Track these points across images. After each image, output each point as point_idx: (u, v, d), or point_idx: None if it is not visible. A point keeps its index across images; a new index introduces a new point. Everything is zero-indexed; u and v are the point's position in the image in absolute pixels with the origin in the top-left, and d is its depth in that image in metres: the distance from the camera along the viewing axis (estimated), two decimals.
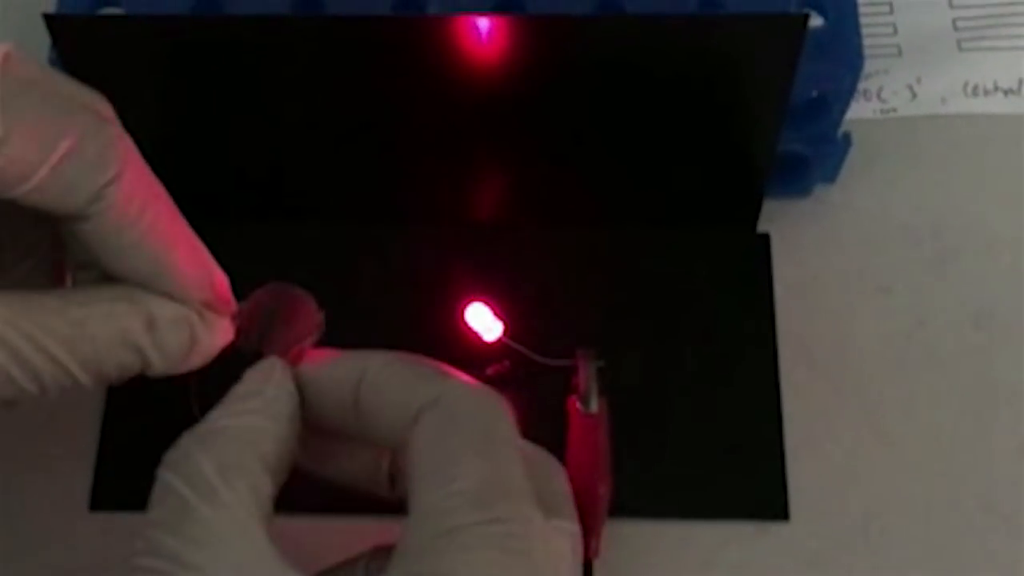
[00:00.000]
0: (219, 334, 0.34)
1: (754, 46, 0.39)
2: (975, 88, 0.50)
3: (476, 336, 0.44)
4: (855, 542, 0.42)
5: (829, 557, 0.42)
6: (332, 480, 0.35)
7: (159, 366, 0.32)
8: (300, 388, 0.34)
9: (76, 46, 0.40)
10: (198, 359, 0.33)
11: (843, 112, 0.44)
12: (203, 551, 0.29)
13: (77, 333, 0.30)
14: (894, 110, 0.50)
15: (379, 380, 0.33)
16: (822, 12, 0.42)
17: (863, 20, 0.43)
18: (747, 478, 0.43)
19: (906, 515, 0.42)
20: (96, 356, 0.31)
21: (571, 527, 0.33)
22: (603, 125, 0.43)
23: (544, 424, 0.38)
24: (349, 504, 0.38)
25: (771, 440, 0.43)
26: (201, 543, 0.29)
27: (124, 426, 0.44)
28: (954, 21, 0.52)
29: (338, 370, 0.33)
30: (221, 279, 0.34)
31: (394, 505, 0.35)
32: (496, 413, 0.32)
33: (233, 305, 0.34)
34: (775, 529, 0.42)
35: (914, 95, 0.50)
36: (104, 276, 0.32)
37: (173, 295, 0.32)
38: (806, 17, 0.38)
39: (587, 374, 0.41)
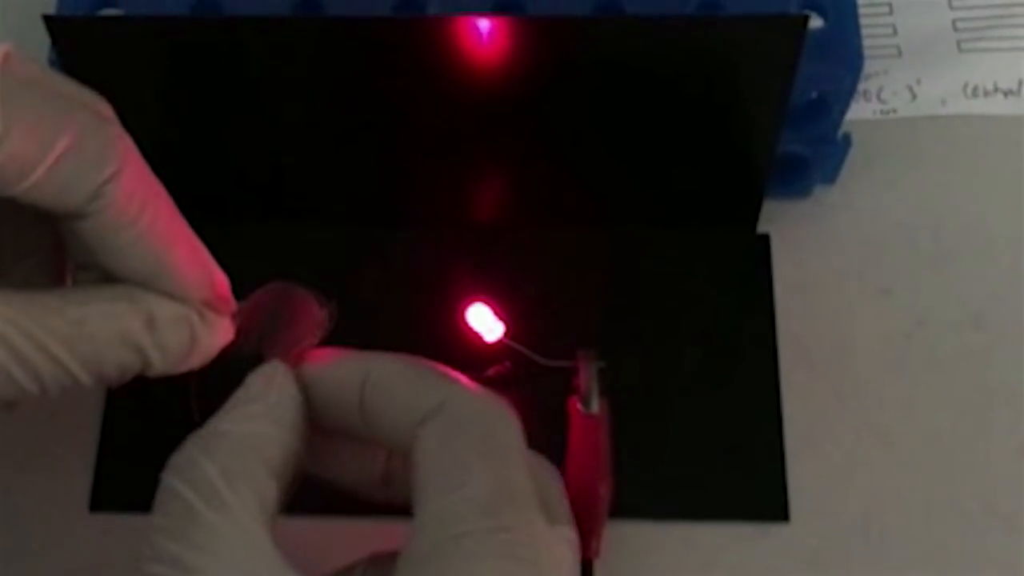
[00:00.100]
0: (219, 333, 0.34)
1: (754, 47, 0.39)
2: (975, 89, 0.50)
3: (477, 337, 0.44)
4: (855, 543, 0.42)
5: (829, 558, 0.42)
6: (321, 479, 0.35)
7: (159, 365, 0.32)
8: (304, 387, 0.34)
9: (76, 47, 0.40)
10: (198, 358, 0.33)
11: (843, 113, 0.44)
12: (207, 557, 0.29)
13: (77, 332, 0.30)
14: (894, 111, 0.50)
15: (384, 382, 0.33)
16: (822, 13, 0.42)
17: (863, 21, 0.43)
18: (747, 479, 0.43)
19: (906, 515, 0.42)
20: (96, 355, 0.31)
21: (571, 533, 0.33)
22: (603, 126, 0.43)
23: (545, 425, 0.38)
24: (347, 505, 0.38)
25: (771, 441, 0.43)
26: (205, 549, 0.29)
27: (124, 427, 0.44)
28: (954, 22, 0.52)
29: (343, 370, 0.33)
30: (221, 278, 0.34)
31: (391, 507, 0.35)
32: (502, 419, 0.32)
33: (233, 305, 0.34)
34: (775, 530, 0.42)
35: (914, 96, 0.50)
36: (104, 276, 0.32)
37: (173, 294, 0.32)
38: (806, 18, 0.38)
39: (588, 375, 0.41)
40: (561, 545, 0.32)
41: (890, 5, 0.52)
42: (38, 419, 0.44)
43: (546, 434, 0.34)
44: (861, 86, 0.45)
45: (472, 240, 0.47)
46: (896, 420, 0.44)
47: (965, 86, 0.50)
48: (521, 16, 0.41)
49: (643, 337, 0.45)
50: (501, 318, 0.44)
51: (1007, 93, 0.50)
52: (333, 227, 0.46)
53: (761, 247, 0.47)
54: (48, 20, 0.39)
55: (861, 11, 0.43)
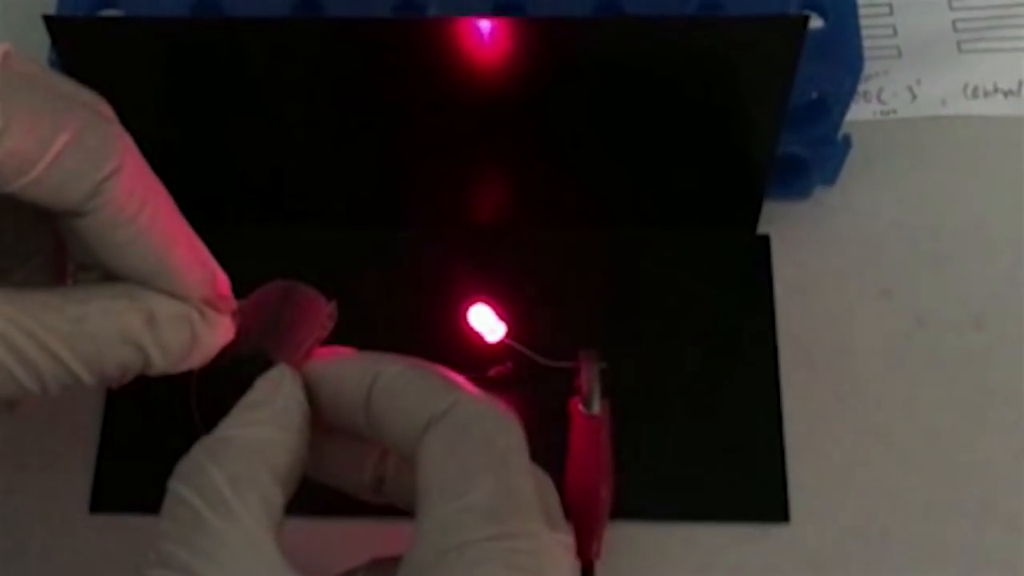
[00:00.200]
0: (220, 332, 0.33)
1: (754, 48, 0.39)
2: (975, 90, 0.50)
3: (478, 337, 0.44)
4: (855, 543, 0.42)
5: (829, 558, 0.42)
6: (313, 477, 0.35)
7: (159, 364, 0.32)
8: (311, 385, 0.34)
9: (76, 47, 0.40)
10: (199, 357, 0.33)
11: (843, 114, 0.44)
12: (214, 563, 0.29)
13: (77, 330, 0.30)
14: (894, 112, 0.50)
15: (392, 386, 0.33)
16: (822, 14, 0.42)
17: (863, 22, 0.43)
18: (747, 479, 0.43)
19: (906, 516, 0.42)
20: (97, 353, 0.31)
21: (568, 539, 0.33)
22: (604, 127, 0.43)
23: (546, 425, 0.38)
24: (347, 507, 0.38)
25: (771, 441, 0.43)
26: (212, 555, 0.29)
27: (124, 428, 0.44)
28: (954, 23, 0.52)
29: (351, 370, 0.33)
30: (221, 277, 0.34)
31: (391, 508, 0.35)
32: (507, 427, 0.32)
33: (233, 303, 0.34)
34: (775, 531, 0.42)
35: (914, 97, 0.50)
36: (105, 276, 0.32)
37: (173, 292, 0.32)
38: (806, 19, 0.38)
39: (589, 375, 0.41)
40: (561, 552, 0.32)
41: (890, 6, 0.52)
42: (38, 420, 0.44)
43: (547, 435, 0.34)
44: (861, 87, 0.45)
45: (473, 241, 0.47)
46: (896, 420, 0.44)
47: (965, 87, 0.50)
48: (521, 17, 0.41)
49: (643, 338, 0.45)
50: (502, 318, 0.44)
51: (1007, 94, 0.50)
52: (334, 228, 0.46)
53: (761, 248, 0.47)
54: (48, 20, 0.39)
55: (861, 12, 0.43)
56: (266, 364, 0.34)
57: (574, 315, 0.45)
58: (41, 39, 0.39)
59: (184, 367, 0.33)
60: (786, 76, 0.40)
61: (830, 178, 0.48)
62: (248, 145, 0.44)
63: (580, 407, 0.41)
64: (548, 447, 0.36)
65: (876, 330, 0.46)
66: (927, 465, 0.43)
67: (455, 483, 0.30)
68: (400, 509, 0.35)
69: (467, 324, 0.44)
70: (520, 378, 0.43)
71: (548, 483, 0.34)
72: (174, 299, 0.32)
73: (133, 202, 0.30)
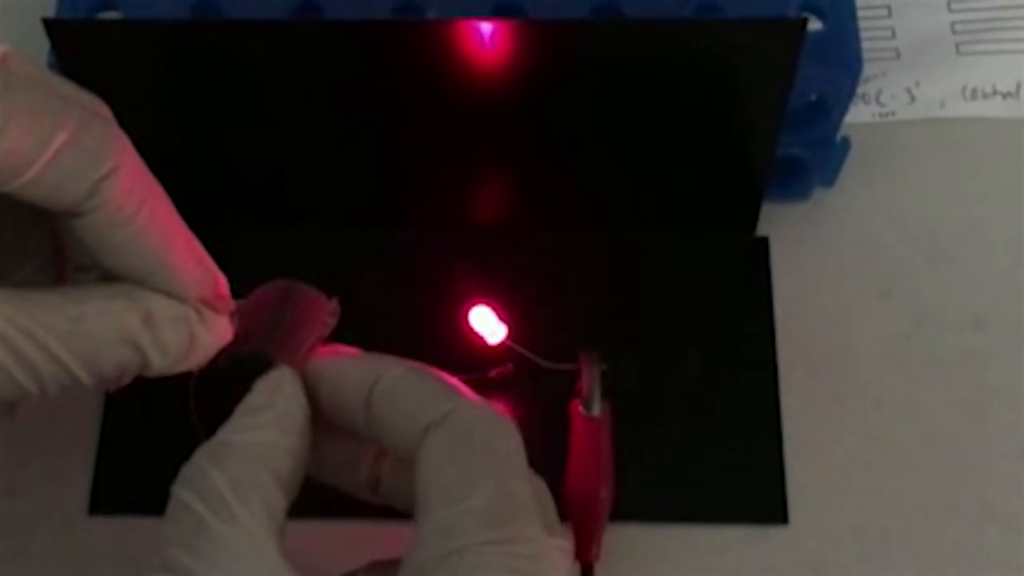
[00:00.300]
0: (218, 332, 0.33)
1: (753, 50, 0.39)
2: (973, 92, 0.50)
3: (479, 339, 0.44)
4: (854, 545, 0.42)
5: (828, 560, 0.42)
6: (310, 475, 0.35)
7: (158, 364, 0.32)
8: (312, 383, 0.34)
9: (75, 50, 0.40)
10: (197, 357, 0.33)
11: (842, 116, 0.44)
12: (217, 568, 0.29)
13: (75, 329, 0.30)
14: (893, 114, 0.50)
15: (394, 389, 0.33)
16: (821, 16, 0.42)
17: (862, 24, 0.43)
18: (746, 481, 0.43)
19: (905, 518, 0.42)
20: (95, 353, 0.31)
21: (565, 543, 0.33)
22: (603, 128, 0.43)
23: (546, 427, 0.38)
24: (346, 508, 0.38)
25: (770, 443, 0.43)
26: (214, 560, 0.29)
27: (123, 430, 0.44)
28: (952, 24, 0.52)
29: (353, 371, 0.33)
30: (219, 277, 0.34)
31: (390, 511, 0.35)
32: (506, 432, 0.32)
33: (232, 303, 0.34)
34: (774, 533, 0.42)
35: (913, 99, 0.50)
36: (103, 278, 0.32)
37: (171, 292, 0.32)
38: (804, 21, 0.38)
39: (590, 377, 0.41)
40: (560, 556, 0.32)
41: (889, 8, 0.52)
42: (38, 422, 0.44)
43: (547, 436, 0.34)
44: (860, 89, 0.45)
45: (473, 242, 0.47)
46: (895, 421, 0.44)
47: (964, 88, 0.50)
48: (520, 19, 0.41)
49: (643, 339, 0.45)
50: (503, 320, 0.44)
51: (1005, 95, 0.50)
52: (334, 229, 0.46)
53: (760, 250, 0.47)
54: (47, 23, 0.39)
55: (860, 14, 0.43)
56: (266, 365, 0.34)
57: (574, 317, 0.45)
58: (40, 42, 0.39)
59: (182, 367, 0.33)
60: (785, 78, 0.40)
61: (829, 180, 0.48)
62: (248, 147, 0.45)
63: (580, 409, 0.41)
64: (548, 449, 0.36)
65: (875, 331, 0.46)
66: (926, 466, 0.43)
67: (455, 488, 0.30)
68: (397, 510, 0.35)
69: (468, 325, 0.44)
70: (520, 379, 0.43)
71: (544, 488, 0.34)
72: (172, 299, 0.32)
73: (131, 202, 0.30)
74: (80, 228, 0.30)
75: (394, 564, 0.31)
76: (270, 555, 0.30)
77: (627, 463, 0.41)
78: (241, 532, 0.30)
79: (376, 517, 0.36)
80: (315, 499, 0.33)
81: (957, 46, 0.51)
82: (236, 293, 0.34)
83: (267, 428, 0.32)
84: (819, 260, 0.47)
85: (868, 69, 0.43)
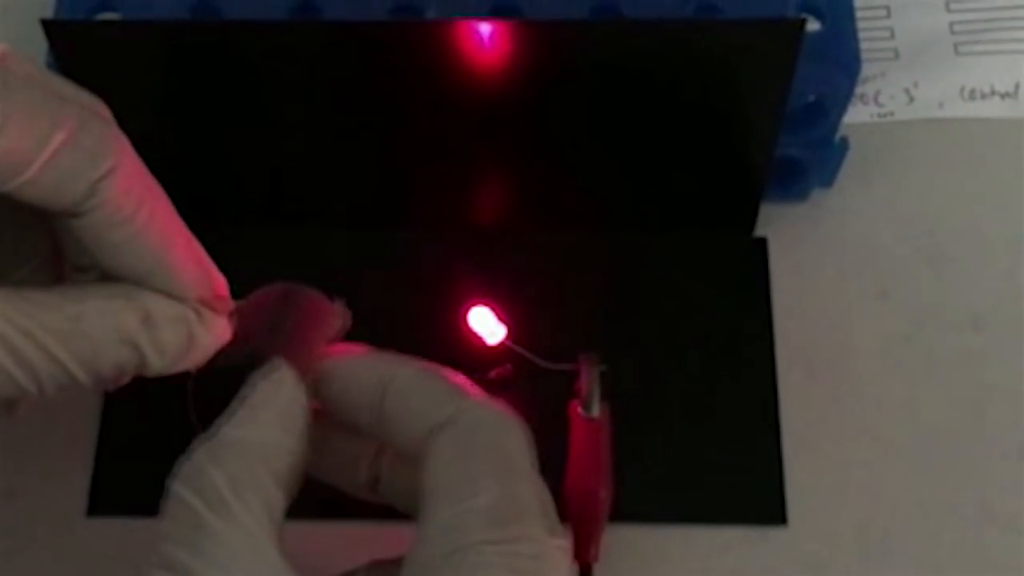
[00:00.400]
0: (216, 332, 0.33)
1: (751, 51, 0.39)
2: (972, 92, 0.50)
3: (479, 339, 0.44)
4: (853, 546, 0.42)
5: (827, 561, 0.42)
6: (309, 474, 0.35)
7: (156, 364, 0.32)
8: (320, 380, 0.34)
9: (73, 51, 0.40)
10: (195, 358, 0.33)
11: (840, 116, 0.44)
12: (215, 565, 0.29)
13: (73, 329, 0.30)
14: (891, 114, 0.50)
15: (405, 387, 0.33)
16: (819, 16, 0.42)
17: (860, 24, 0.43)
18: (745, 482, 0.43)
19: (904, 519, 0.42)
20: (93, 353, 0.31)
21: (567, 544, 0.33)
22: (601, 129, 0.43)
23: (545, 428, 0.38)
24: (345, 509, 0.38)
25: (769, 444, 0.43)
26: (213, 558, 0.29)
27: (122, 432, 0.44)
28: (951, 25, 0.52)
29: (363, 370, 0.34)
30: (218, 277, 0.34)
31: (389, 512, 0.35)
32: (514, 433, 0.32)
33: (231, 304, 0.34)
34: (773, 534, 0.42)
35: (911, 99, 0.50)
36: (101, 278, 0.32)
37: (170, 292, 0.32)
38: (803, 22, 0.38)
39: (589, 378, 0.41)
40: (561, 556, 0.32)
41: (887, 8, 0.52)
42: (36, 423, 0.44)
43: (547, 437, 0.34)
44: (858, 89, 0.45)
45: (473, 243, 0.47)
46: (894, 423, 0.44)
47: (962, 89, 0.50)
48: (518, 20, 0.41)
49: (642, 340, 0.45)
50: (502, 320, 0.44)
51: (1004, 96, 0.50)
52: (335, 231, 0.46)
53: (759, 250, 0.47)
54: (46, 24, 0.39)
55: (858, 14, 0.43)
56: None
57: (573, 317, 0.45)
58: (39, 43, 0.39)
59: (181, 367, 0.33)
60: (784, 79, 0.40)
61: (827, 180, 0.48)
62: (247, 147, 0.44)
63: (579, 409, 0.41)
64: (547, 450, 0.36)
65: (874, 331, 0.46)
66: (925, 467, 0.43)
67: (461, 487, 0.30)
68: (397, 511, 0.35)
69: (467, 326, 0.44)
70: (520, 380, 0.43)
71: (545, 488, 0.34)
72: (171, 299, 0.32)
73: (130, 202, 0.30)
74: (79, 228, 0.30)
75: (394, 563, 0.31)
76: (269, 553, 0.30)
77: (626, 464, 0.41)
78: (240, 531, 0.30)
79: (376, 517, 0.36)
80: (315, 499, 0.33)
81: (956, 46, 0.51)
82: (236, 293, 0.34)
83: (268, 426, 0.32)
84: (818, 261, 0.47)
85: (867, 69, 0.43)
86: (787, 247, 0.47)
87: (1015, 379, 0.45)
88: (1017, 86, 0.50)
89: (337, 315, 0.35)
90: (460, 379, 0.33)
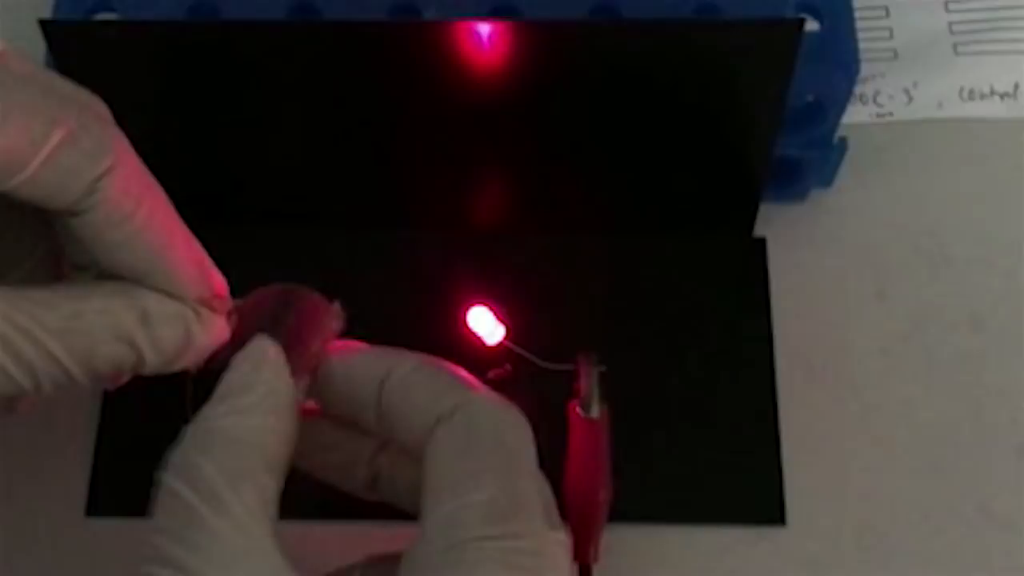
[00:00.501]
0: (214, 331, 0.33)
1: (750, 51, 0.39)
2: (971, 92, 0.50)
3: (478, 340, 0.44)
4: (852, 547, 0.42)
5: (826, 562, 0.42)
6: (308, 474, 0.35)
7: (153, 362, 0.32)
8: (322, 376, 0.34)
9: (72, 51, 0.40)
10: (193, 356, 0.33)
11: (839, 116, 0.44)
12: (209, 559, 0.29)
13: (71, 326, 0.30)
14: (890, 114, 0.50)
15: (406, 381, 0.33)
16: (818, 17, 0.42)
17: (859, 24, 0.43)
18: (744, 483, 0.43)
19: (903, 519, 0.42)
20: (90, 351, 0.31)
21: (567, 539, 0.33)
22: (600, 130, 0.43)
23: (545, 428, 0.38)
24: (342, 509, 0.38)
25: (768, 444, 0.43)
26: (207, 550, 0.29)
27: (120, 431, 0.44)
28: (950, 25, 0.52)
29: (364, 364, 0.34)
30: (217, 277, 0.34)
31: (385, 512, 0.35)
32: (516, 427, 0.32)
33: (229, 303, 0.34)
34: (772, 534, 0.42)
35: (910, 99, 0.50)
36: (100, 277, 0.32)
37: (168, 291, 0.32)
38: (802, 22, 0.38)
39: (588, 379, 0.41)
40: (561, 552, 0.32)
41: (886, 8, 0.52)
42: (34, 423, 0.44)
43: (546, 438, 0.34)
44: (857, 89, 0.45)
45: (472, 243, 0.47)
46: (893, 423, 0.44)
47: (961, 89, 0.50)
48: (517, 20, 0.41)
49: (641, 340, 0.45)
50: (501, 321, 0.44)
51: (1003, 96, 0.50)
52: (333, 230, 0.46)
53: (758, 251, 0.47)
54: (44, 24, 0.39)
55: (857, 14, 0.43)
56: None
57: (572, 318, 0.45)
58: (38, 42, 0.39)
59: (178, 366, 0.33)
60: (782, 79, 0.40)
61: (826, 181, 0.48)
62: (246, 147, 0.44)
63: (578, 410, 0.41)
64: (547, 450, 0.36)
65: (873, 332, 0.46)
66: (924, 467, 0.43)
67: (462, 481, 0.30)
68: (394, 509, 0.35)
69: (466, 326, 0.44)
70: (519, 381, 0.43)
71: (546, 484, 0.34)
72: (169, 298, 0.32)
73: (128, 201, 0.30)
74: (78, 227, 0.30)
75: (391, 559, 0.31)
76: (264, 543, 0.30)
77: (625, 464, 0.41)
78: (233, 522, 0.30)
79: (374, 517, 0.36)
80: (313, 499, 0.33)
81: (955, 46, 0.51)
82: (235, 293, 0.34)
83: (253, 411, 0.32)
84: (817, 261, 0.47)
85: (865, 70, 0.43)
86: (786, 247, 0.47)
87: (1014, 379, 0.45)
88: (1016, 86, 0.50)
89: (335, 316, 0.35)
90: (461, 372, 0.33)
